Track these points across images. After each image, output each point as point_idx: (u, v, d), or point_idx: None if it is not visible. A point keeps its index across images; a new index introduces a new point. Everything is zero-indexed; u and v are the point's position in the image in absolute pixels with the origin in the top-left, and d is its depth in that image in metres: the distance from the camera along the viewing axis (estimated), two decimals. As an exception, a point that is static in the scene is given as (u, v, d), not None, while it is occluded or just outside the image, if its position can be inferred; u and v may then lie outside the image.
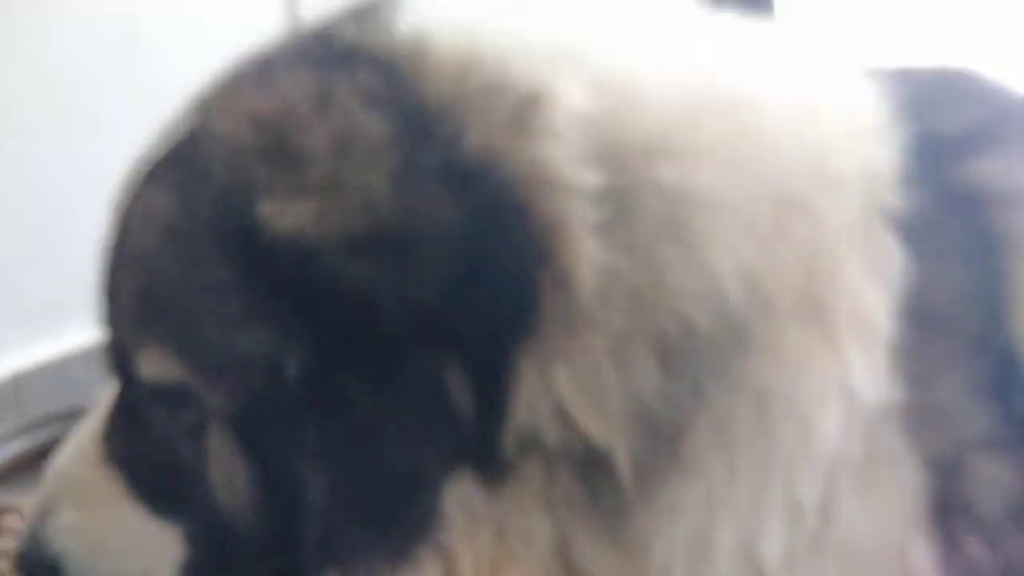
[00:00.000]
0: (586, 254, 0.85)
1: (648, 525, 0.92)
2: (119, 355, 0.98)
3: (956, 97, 1.08)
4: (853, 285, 0.92)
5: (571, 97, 0.86)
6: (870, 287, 0.91)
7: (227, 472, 0.94)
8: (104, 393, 1.06)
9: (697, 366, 0.89)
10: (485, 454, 0.89)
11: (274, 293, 0.88)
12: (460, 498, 0.91)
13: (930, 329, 0.97)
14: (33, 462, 1.42)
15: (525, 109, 0.85)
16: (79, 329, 1.67)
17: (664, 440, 0.90)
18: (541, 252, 0.85)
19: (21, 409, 1.68)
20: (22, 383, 1.72)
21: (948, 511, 0.95)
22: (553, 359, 0.87)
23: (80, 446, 1.06)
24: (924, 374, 0.96)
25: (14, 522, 1.33)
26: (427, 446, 0.89)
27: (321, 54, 0.93)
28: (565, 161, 0.84)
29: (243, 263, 0.88)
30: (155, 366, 0.93)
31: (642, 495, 0.91)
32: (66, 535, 1.02)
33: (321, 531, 0.91)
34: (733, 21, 1.04)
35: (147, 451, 1.00)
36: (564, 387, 0.87)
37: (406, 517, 0.92)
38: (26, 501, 1.37)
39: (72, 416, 1.46)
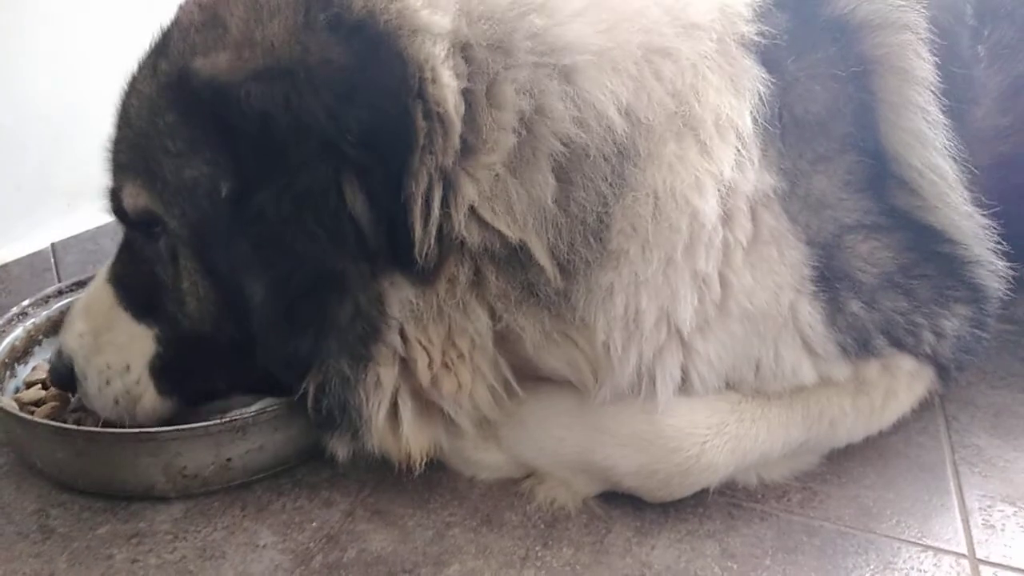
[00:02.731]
0: (448, 86, 1.04)
1: (590, 308, 1.13)
2: (114, 199, 1.21)
3: None
4: (712, 100, 1.11)
5: None
6: (728, 99, 1.11)
7: (193, 285, 1.17)
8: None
9: (595, 178, 1.09)
10: (406, 258, 1.08)
11: (204, 127, 1.09)
12: (400, 299, 1.12)
13: (803, 133, 1.16)
14: (74, 316, 1.59)
15: None
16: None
17: (591, 235, 1.10)
18: (410, 88, 1.04)
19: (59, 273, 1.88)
20: (59, 251, 1.90)
21: (831, 280, 1.15)
22: (459, 177, 1.07)
23: (96, 275, 1.31)
24: (800, 170, 1.15)
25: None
26: (336, 250, 1.07)
27: None
28: (425, 11, 1.04)
29: (182, 106, 1.10)
30: (132, 198, 1.17)
31: (579, 283, 1.12)
32: (74, 340, 1.26)
33: (265, 331, 1.12)
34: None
35: (132, 271, 1.24)
36: (475, 198, 1.08)
37: (341, 316, 1.10)
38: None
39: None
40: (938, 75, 1.20)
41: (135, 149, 1.15)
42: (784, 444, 1.21)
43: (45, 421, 1.26)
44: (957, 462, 1.32)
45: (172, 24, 1.17)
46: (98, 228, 1.94)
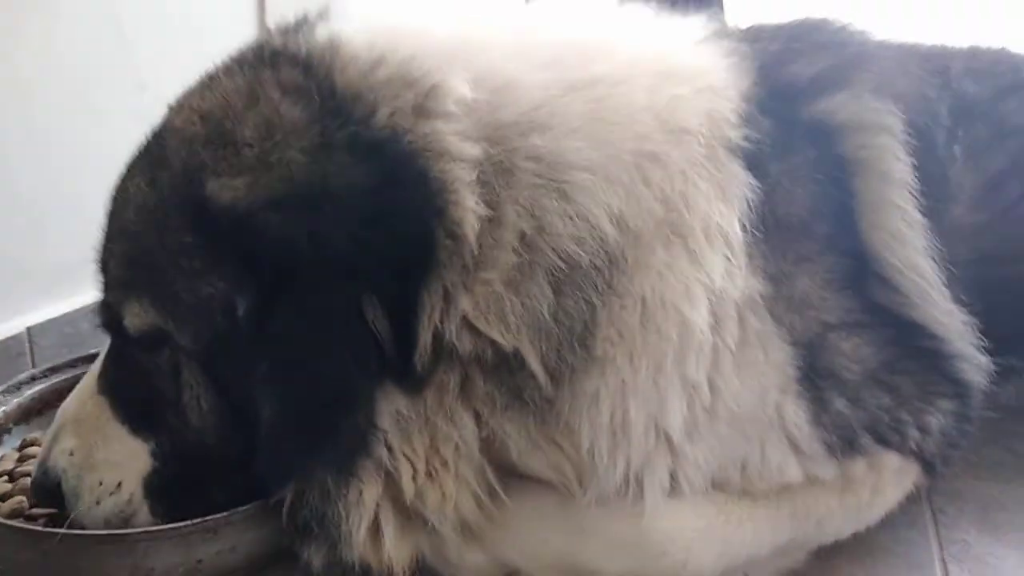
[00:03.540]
0: (471, 209, 1.05)
1: (575, 415, 1.12)
2: (109, 313, 1.18)
3: (812, 48, 1.31)
4: (702, 207, 1.12)
5: (460, 89, 1.08)
6: (718, 206, 1.13)
7: (197, 400, 1.14)
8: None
9: (586, 287, 1.09)
10: (403, 370, 1.08)
11: (223, 250, 1.07)
12: (390, 411, 1.11)
13: (786, 234, 1.18)
14: (49, 403, 1.55)
15: (426, 97, 1.07)
16: (84, 289, 1.83)
17: (577, 342, 1.10)
18: (435, 208, 1.05)
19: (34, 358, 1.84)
20: (35, 336, 1.87)
21: (816, 379, 1.15)
22: (458, 290, 1.07)
23: (82, 386, 1.27)
24: (784, 272, 1.17)
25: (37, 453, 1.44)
26: (354, 367, 1.06)
27: (253, 59, 1.14)
28: (454, 137, 1.06)
29: (199, 229, 1.08)
30: (137, 317, 1.14)
31: (564, 389, 1.11)
32: (64, 456, 1.21)
33: (272, 446, 1.09)
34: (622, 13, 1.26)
35: (129, 383, 1.20)
36: (470, 311, 1.08)
37: (345, 430, 1.09)
38: (44, 436, 1.51)
39: (80, 362, 1.61)
40: (916, 175, 1.23)
41: (139, 266, 1.13)
42: (771, 544, 1.19)
43: (9, 522, 1.21)
44: (946, 560, 1.30)
45: (166, 131, 1.15)
46: (76, 311, 1.92)
